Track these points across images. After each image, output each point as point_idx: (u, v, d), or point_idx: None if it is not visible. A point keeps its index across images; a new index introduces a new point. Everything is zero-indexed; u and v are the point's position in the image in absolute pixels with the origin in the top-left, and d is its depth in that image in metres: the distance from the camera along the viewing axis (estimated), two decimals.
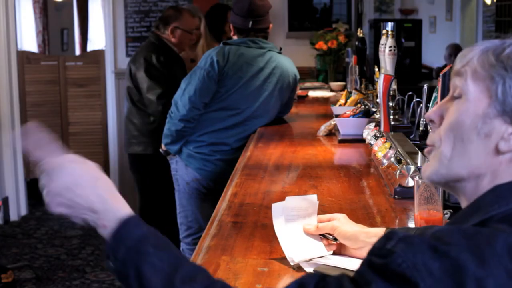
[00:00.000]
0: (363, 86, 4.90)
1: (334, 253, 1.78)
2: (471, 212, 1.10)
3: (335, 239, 1.75)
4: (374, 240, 1.61)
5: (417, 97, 3.30)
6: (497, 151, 1.12)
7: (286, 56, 4.06)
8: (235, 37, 3.96)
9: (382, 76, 3.08)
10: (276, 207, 1.78)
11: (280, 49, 4.02)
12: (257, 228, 2.03)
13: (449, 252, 0.98)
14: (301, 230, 1.78)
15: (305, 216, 1.81)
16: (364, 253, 1.66)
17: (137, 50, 4.89)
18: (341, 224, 1.75)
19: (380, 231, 1.70)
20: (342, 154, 3.28)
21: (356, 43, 5.07)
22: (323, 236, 1.78)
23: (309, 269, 1.66)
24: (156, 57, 4.59)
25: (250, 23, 3.87)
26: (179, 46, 4.81)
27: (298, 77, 4.06)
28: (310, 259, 1.72)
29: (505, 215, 1.05)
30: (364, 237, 1.69)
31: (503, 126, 1.12)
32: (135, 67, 4.63)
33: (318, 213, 1.84)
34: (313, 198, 1.84)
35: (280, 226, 1.76)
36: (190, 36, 4.87)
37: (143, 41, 6.86)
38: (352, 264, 1.64)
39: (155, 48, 4.67)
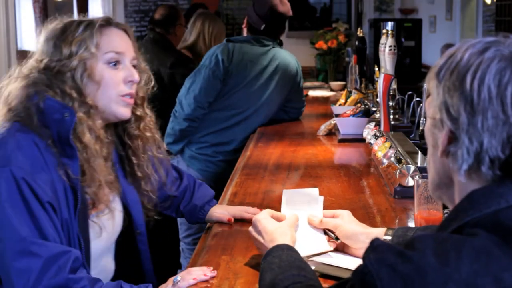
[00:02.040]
0: (363, 85, 4.90)
1: (337, 251, 1.79)
2: (451, 218, 1.12)
3: (337, 238, 1.77)
4: None
5: (417, 97, 3.30)
6: (443, 159, 1.17)
7: (287, 50, 4.07)
8: (245, 30, 3.96)
9: (382, 76, 3.08)
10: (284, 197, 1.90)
11: (281, 42, 4.04)
12: None
13: (413, 257, 1.01)
14: (305, 223, 1.80)
15: (309, 208, 1.85)
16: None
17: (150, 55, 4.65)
18: (344, 223, 1.78)
19: (381, 232, 1.71)
20: (342, 154, 3.28)
21: (356, 42, 5.07)
22: (326, 233, 1.80)
23: (312, 267, 1.66)
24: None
25: (263, 26, 3.88)
26: (177, 42, 4.82)
27: (300, 67, 4.07)
28: (313, 255, 1.74)
29: (478, 220, 1.07)
30: (364, 238, 1.71)
31: (438, 133, 1.16)
32: (168, 70, 4.47)
33: None
34: (314, 191, 1.90)
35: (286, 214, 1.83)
36: (185, 29, 4.90)
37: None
38: (352, 263, 1.64)
39: (172, 48, 4.67)
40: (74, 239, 1.72)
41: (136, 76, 1.87)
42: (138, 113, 1.96)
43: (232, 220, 2.14)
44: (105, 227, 1.84)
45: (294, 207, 1.89)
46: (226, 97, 3.76)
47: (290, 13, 4.03)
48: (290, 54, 4.05)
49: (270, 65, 3.84)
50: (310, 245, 1.75)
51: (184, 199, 2.26)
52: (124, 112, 1.87)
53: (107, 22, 1.86)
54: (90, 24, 1.83)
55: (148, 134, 1.97)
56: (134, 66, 1.90)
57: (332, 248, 1.78)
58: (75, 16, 8.01)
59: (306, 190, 2.03)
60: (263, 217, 1.71)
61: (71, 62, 1.79)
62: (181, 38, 4.89)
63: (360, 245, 1.72)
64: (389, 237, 1.68)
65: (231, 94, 3.77)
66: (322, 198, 1.91)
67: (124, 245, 1.98)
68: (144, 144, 1.97)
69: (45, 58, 1.82)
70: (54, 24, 1.86)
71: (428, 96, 1.22)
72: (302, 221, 1.81)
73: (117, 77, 1.84)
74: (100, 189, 1.78)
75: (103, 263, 1.90)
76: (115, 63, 1.85)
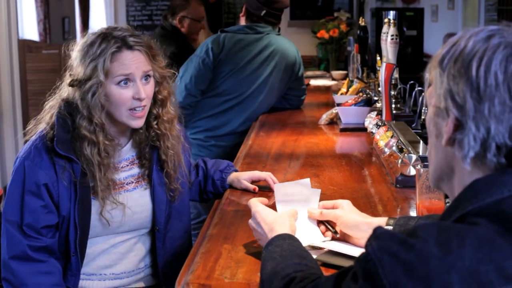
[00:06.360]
0: (365, 75, 4.89)
1: (339, 240, 1.79)
2: (453, 207, 1.12)
3: (336, 233, 1.77)
4: None
5: (419, 86, 3.29)
6: (447, 148, 1.16)
7: (285, 37, 4.09)
8: (243, 18, 3.99)
9: (384, 65, 3.07)
10: (276, 191, 1.91)
11: (279, 29, 4.06)
12: None
13: (415, 245, 1.02)
14: (300, 216, 1.80)
15: (304, 201, 1.85)
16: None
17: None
18: (344, 213, 1.77)
19: (382, 222, 1.70)
20: (343, 143, 3.28)
21: (358, 31, 5.05)
22: (325, 225, 1.80)
23: (313, 256, 1.66)
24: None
25: (264, 12, 3.90)
26: (189, 35, 4.81)
27: (299, 55, 4.08)
28: (310, 246, 1.74)
29: (481, 209, 1.07)
30: (366, 228, 1.71)
31: (442, 121, 1.15)
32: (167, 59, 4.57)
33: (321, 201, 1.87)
34: (306, 182, 1.90)
35: (280, 207, 1.85)
36: (199, 24, 4.86)
37: (144, 30, 6.86)
38: (354, 252, 1.64)
39: (175, 38, 4.66)
40: (71, 224, 2.04)
41: (142, 94, 2.06)
42: (155, 111, 2.17)
43: (257, 189, 2.36)
44: (113, 219, 2.10)
45: (288, 201, 1.87)
46: (218, 84, 3.81)
47: (288, 3, 4.08)
48: (289, 41, 4.06)
49: (265, 51, 3.87)
50: (305, 236, 1.75)
51: (205, 180, 2.49)
52: (136, 124, 2.10)
53: (119, 47, 2.04)
54: (106, 47, 2.03)
55: (163, 129, 2.18)
56: (149, 76, 2.10)
57: (327, 239, 1.79)
58: (76, 3, 7.82)
59: (297, 182, 2.03)
60: (262, 209, 1.71)
61: (86, 84, 2.02)
62: (193, 32, 4.87)
63: (362, 235, 1.72)
64: (390, 227, 1.68)
65: (223, 81, 3.81)
66: (319, 190, 1.90)
67: (145, 239, 2.23)
68: (159, 136, 2.18)
69: (72, 74, 2.08)
70: (86, 39, 2.09)
71: (429, 85, 1.21)
72: (298, 214, 1.81)
73: (125, 96, 2.06)
74: (99, 189, 2.05)
75: (118, 250, 2.17)
76: (126, 82, 2.05)
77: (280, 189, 1.92)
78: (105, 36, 2.05)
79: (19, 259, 2.01)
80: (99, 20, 9.00)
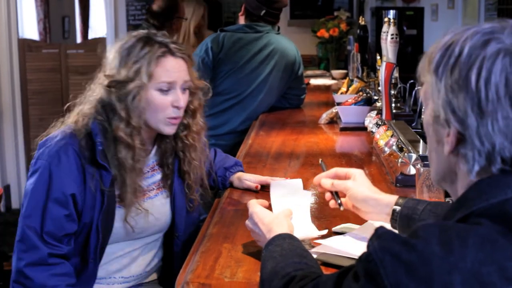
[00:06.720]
0: (365, 74, 4.89)
1: (346, 210, 1.81)
2: (457, 207, 1.11)
3: (340, 205, 1.80)
4: (381, 209, 1.63)
5: (418, 85, 3.29)
6: (450, 156, 1.14)
7: (284, 36, 4.08)
8: (242, 17, 3.99)
9: (384, 64, 3.07)
10: (272, 188, 1.95)
11: (278, 28, 4.06)
12: None
13: (417, 245, 1.01)
14: (294, 214, 1.81)
15: (297, 200, 1.89)
16: (373, 217, 1.69)
17: None
18: (354, 185, 1.78)
19: (392, 200, 1.70)
20: (343, 142, 3.28)
21: (358, 31, 5.05)
22: (332, 194, 1.82)
23: (313, 256, 1.67)
24: None
25: (263, 11, 3.90)
26: (174, 34, 4.81)
27: (299, 54, 4.08)
28: (308, 245, 1.75)
29: (484, 209, 1.06)
30: (374, 203, 1.73)
31: (442, 130, 1.14)
32: None
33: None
34: (298, 182, 1.93)
35: (276, 206, 1.88)
36: (184, 22, 4.91)
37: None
38: (355, 250, 1.64)
39: None
40: (93, 232, 2.00)
41: (181, 103, 2.06)
42: (185, 121, 2.15)
43: (259, 187, 2.35)
44: (137, 225, 2.08)
45: (283, 199, 1.90)
46: (217, 83, 3.81)
47: (287, 2, 4.10)
48: (288, 40, 4.06)
49: (265, 50, 3.87)
50: (300, 231, 1.77)
51: (209, 173, 2.44)
52: (169, 130, 2.09)
53: (164, 53, 2.02)
54: (150, 51, 2.00)
55: (191, 140, 2.16)
56: (185, 88, 2.08)
57: (323, 233, 1.80)
58: (76, 2, 7.83)
59: (290, 181, 2.05)
60: (260, 210, 1.71)
61: (127, 86, 1.97)
62: (178, 30, 4.88)
63: (370, 209, 1.73)
64: (398, 207, 1.67)
65: (223, 80, 3.81)
66: (310, 192, 1.93)
67: (163, 244, 2.25)
68: (186, 146, 2.18)
69: (110, 74, 2.03)
70: (125, 41, 2.05)
71: (421, 84, 1.20)
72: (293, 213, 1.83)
73: (165, 102, 2.04)
74: (128, 195, 2.01)
75: (130, 255, 2.16)
76: (167, 89, 2.04)
77: (276, 187, 1.94)
78: (147, 39, 2.04)
79: (34, 265, 1.96)
80: (99, 19, 8.99)
